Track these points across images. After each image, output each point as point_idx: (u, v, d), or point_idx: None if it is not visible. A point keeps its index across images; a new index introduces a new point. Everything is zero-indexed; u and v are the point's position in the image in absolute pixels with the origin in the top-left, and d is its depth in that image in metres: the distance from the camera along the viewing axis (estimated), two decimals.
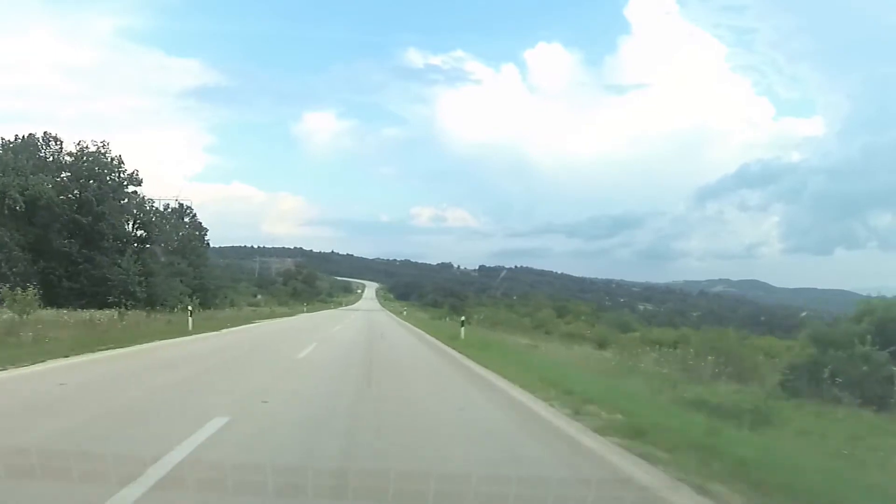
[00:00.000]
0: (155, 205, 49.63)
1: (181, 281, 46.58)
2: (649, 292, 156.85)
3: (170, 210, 55.31)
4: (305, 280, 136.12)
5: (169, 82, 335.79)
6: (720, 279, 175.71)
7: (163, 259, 46.91)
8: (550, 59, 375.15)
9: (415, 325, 46.30)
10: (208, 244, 61.66)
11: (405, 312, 75.85)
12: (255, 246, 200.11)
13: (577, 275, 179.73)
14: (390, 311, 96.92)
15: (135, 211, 45.12)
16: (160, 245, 48.05)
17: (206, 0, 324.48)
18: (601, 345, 34.50)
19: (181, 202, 57.55)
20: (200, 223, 59.49)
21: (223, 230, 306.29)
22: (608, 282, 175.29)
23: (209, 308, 46.39)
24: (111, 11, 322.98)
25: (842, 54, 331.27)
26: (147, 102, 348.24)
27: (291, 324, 41.64)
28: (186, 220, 58.86)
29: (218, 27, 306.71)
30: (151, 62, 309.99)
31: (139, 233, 47.51)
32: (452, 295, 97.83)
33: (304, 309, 74.11)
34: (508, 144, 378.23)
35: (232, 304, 59.81)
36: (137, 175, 44.87)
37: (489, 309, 58.29)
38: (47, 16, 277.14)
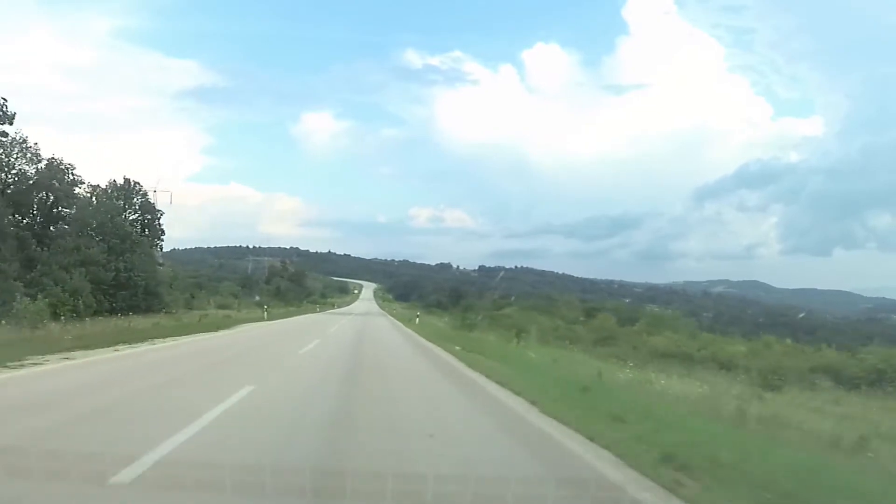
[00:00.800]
0: (79, 176, 38.27)
1: (86, 274, 30.51)
2: (653, 293, 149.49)
3: (113, 188, 43.82)
4: (293, 278, 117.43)
5: (167, 83, 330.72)
6: (720, 280, 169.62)
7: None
8: (548, 59, 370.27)
9: (470, 363, 17.65)
10: (161, 231, 48.62)
11: (418, 319, 51.90)
12: (251, 246, 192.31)
13: (577, 275, 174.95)
14: (393, 315, 72.74)
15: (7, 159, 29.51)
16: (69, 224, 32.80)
17: (205, 0, 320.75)
18: (767, 380, 18.32)
19: (128, 178, 45.60)
20: (153, 206, 47.45)
21: (223, 231, 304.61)
22: (609, 282, 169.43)
23: (149, 312, 35.68)
24: (109, 12, 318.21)
25: (841, 54, 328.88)
26: (145, 103, 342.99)
27: (171, 355, 17.78)
28: (137, 200, 46.49)
29: (216, 28, 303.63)
30: (149, 63, 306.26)
31: (58, 210, 36.44)
32: (460, 295, 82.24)
33: (265, 315, 50.35)
34: (507, 145, 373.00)
35: (189, 308, 48.35)
36: (5, 108, 29.06)
37: (518, 312, 42.78)
38: (45, 16, 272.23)
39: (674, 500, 5.06)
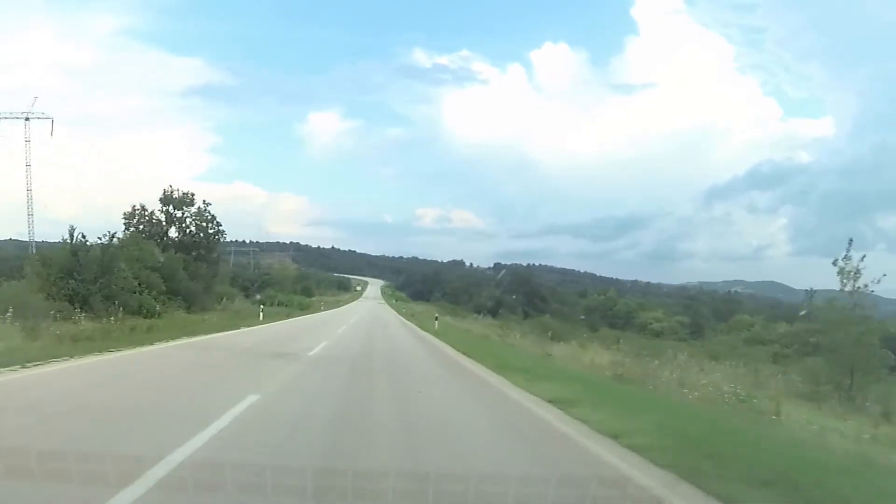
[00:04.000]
0: None
1: None
2: (691, 293, 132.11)
3: None
4: (196, 251, 42.93)
5: (173, 81, 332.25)
6: (736, 280, 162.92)
7: None
8: (557, 58, 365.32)
9: None
10: None
11: None
12: (248, 240, 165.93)
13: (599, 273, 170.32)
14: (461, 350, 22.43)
15: None
16: None
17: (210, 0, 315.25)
18: None
19: None
20: None
21: (229, 231, 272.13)
22: (634, 282, 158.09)
23: None
24: (113, 11, 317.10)
25: (851, 52, 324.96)
26: (151, 101, 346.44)
27: None
28: None
29: (221, 27, 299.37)
30: (155, 60, 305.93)
31: None
32: (534, 294, 54.23)
33: None
34: (514, 145, 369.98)
35: None
36: None
37: None
38: (49, 15, 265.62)
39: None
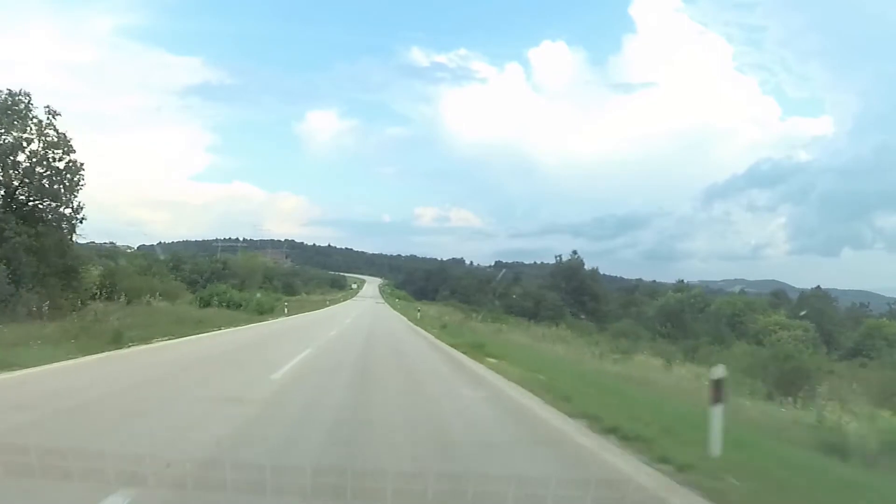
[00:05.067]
0: None
1: None
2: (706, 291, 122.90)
3: None
4: (32, 204, 23.22)
5: (172, 80, 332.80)
6: (736, 279, 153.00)
7: None
8: (555, 57, 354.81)
9: None
10: None
11: None
12: (242, 238, 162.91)
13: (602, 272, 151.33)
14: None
15: None
16: None
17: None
18: None
19: None
20: None
21: (227, 230, 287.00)
22: (638, 280, 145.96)
23: None
24: (113, 10, 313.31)
25: (852, 52, 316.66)
26: (150, 100, 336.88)
27: None
28: None
29: (220, 26, 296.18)
30: (154, 60, 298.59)
31: None
32: (589, 295, 41.99)
33: None
34: (512, 144, 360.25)
35: None
36: None
37: None
38: (50, 14, 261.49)
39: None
